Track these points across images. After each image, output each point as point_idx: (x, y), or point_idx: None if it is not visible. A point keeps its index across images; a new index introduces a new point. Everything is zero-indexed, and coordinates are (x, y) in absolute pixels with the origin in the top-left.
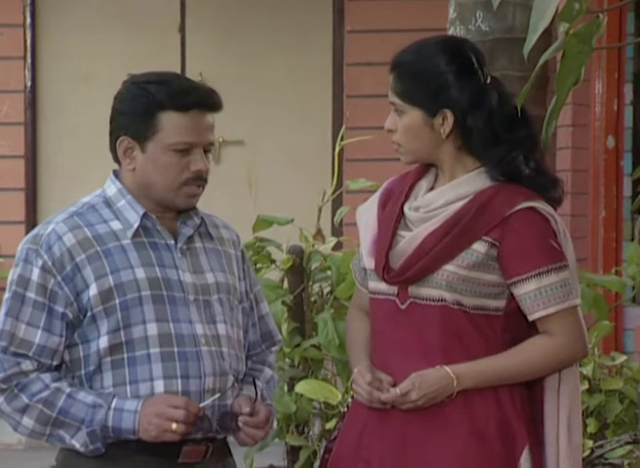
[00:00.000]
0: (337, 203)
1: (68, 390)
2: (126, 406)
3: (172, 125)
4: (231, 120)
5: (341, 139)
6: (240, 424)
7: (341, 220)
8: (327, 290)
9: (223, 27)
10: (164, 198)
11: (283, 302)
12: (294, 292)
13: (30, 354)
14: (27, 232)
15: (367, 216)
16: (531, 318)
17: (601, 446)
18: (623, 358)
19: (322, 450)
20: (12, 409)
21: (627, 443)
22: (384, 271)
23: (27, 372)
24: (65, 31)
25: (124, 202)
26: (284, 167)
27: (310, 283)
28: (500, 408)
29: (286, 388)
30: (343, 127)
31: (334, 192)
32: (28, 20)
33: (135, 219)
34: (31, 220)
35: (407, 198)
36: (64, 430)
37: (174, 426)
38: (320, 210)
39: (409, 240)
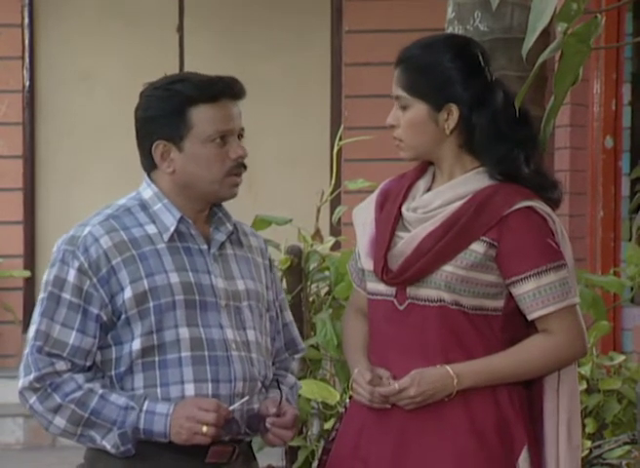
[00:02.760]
0: (335, 203)
1: (101, 391)
2: (157, 409)
3: (204, 118)
4: None
5: (340, 139)
6: (268, 425)
7: (340, 220)
8: (325, 290)
9: (222, 27)
10: (208, 191)
11: None
12: (292, 293)
13: (64, 354)
14: (26, 232)
15: (364, 217)
16: (530, 317)
17: (599, 446)
18: (622, 358)
19: (320, 451)
20: (44, 408)
21: (626, 443)
22: (383, 272)
23: (61, 373)
24: (64, 31)
25: (160, 205)
26: (282, 167)
27: (309, 283)
28: (499, 407)
29: None
30: (342, 127)
31: (332, 192)
32: (26, 20)
33: (171, 223)
34: (29, 220)
35: (405, 199)
36: (96, 431)
37: (204, 429)
38: (318, 210)
39: (407, 241)
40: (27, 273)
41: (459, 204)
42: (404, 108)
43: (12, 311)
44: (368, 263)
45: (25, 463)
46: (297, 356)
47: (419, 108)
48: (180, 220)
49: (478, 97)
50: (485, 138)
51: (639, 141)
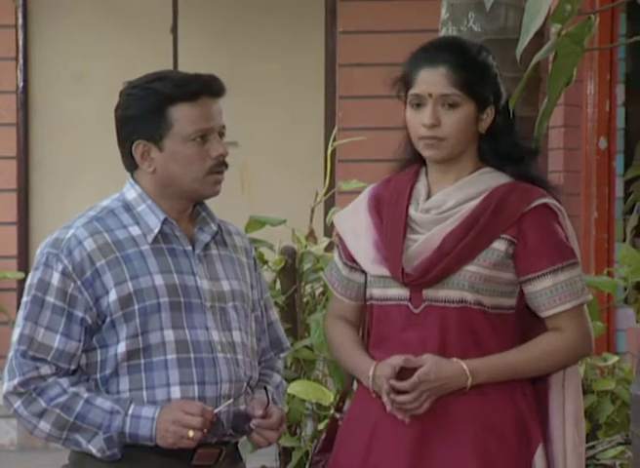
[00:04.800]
0: (329, 203)
1: (86, 395)
2: (143, 412)
3: (184, 116)
4: (224, 120)
5: (334, 140)
6: (253, 426)
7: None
8: (319, 290)
9: (216, 28)
10: (190, 190)
11: (275, 303)
12: (286, 293)
13: (49, 358)
14: (20, 233)
15: (353, 224)
16: (545, 314)
17: (593, 446)
18: (615, 359)
19: (309, 462)
20: (29, 412)
21: (619, 443)
22: (403, 276)
23: (45, 377)
24: (58, 32)
25: (144, 206)
26: (277, 167)
27: (303, 283)
28: (515, 404)
29: None
30: (336, 128)
31: (326, 193)
32: (20, 21)
33: (155, 224)
34: (23, 221)
35: (409, 201)
36: (81, 435)
37: (191, 433)
38: (312, 210)
39: (423, 242)
40: (21, 274)
41: (474, 203)
42: (452, 106)
43: (6, 312)
44: (377, 269)
45: (19, 464)
46: (282, 355)
47: (469, 107)
48: (165, 222)
49: (506, 99)
50: (508, 139)
51: (633, 142)
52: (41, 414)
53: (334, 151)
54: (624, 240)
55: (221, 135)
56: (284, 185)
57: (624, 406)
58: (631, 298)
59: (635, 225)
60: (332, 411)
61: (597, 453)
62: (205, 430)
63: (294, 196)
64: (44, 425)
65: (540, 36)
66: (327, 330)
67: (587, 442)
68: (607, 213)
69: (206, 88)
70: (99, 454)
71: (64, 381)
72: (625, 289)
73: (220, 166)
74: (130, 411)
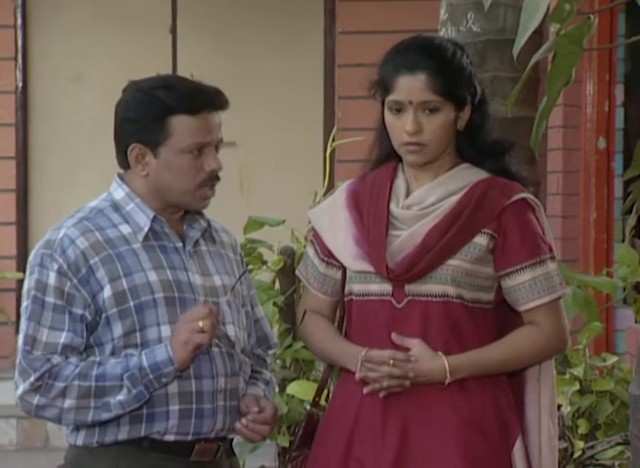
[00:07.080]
0: None
1: (98, 359)
2: (156, 347)
3: (183, 128)
4: (223, 121)
5: (333, 140)
6: (244, 421)
7: None
8: None
9: (215, 28)
10: (179, 200)
11: (274, 303)
12: (285, 294)
13: (58, 351)
14: (19, 233)
15: (331, 220)
16: (522, 308)
17: (592, 446)
18: (614, 359)
19: (287, 458)
20: (51, 398)
21: (618, 443)
22: (388, 271)
23: (57, 364)
24: (57, 32)
25: (133, 205)
26: (276, 168)
27: (302, 284)
28: (496, 399)
29: (277, 389)
30: (335, 128)
31: (325, 193)
32: (19, 21)
33: (145, 223)
34: (22, 222)
35: (390, 198)
36: (107, 396)
37: (200, 324)
38: None
39: (405, 238)
40: (20, 274)
41: (455, 198)
42: (432, 111)
43: (4, 312)
44: (358, 265)
45: (18, 464)
46: (270, 351)
47: (449, 110)
48: (154, 219)
49: (482, 95)
50: (484, 135)
51: (632, 143)
52: (63, 393)
53: (333, 151)
54: (623, 240)
55: (217, 147)
56: (283, 185)
57: (623, 406)
58: (630, 299)
59: (634, 225)
60: (308, 407)
61: (596, 454)
62: (212, 319)
63: (293, 196)
64: (69, 402)
65: (539, 36)
66: (303, 324)
67: (586, 442)
68: (606, 213)
69: (209, 103)
70: (124, 398)
71: (74, 360)
72: (624, 289)
73: (212, 180)
74: (143, 352)
